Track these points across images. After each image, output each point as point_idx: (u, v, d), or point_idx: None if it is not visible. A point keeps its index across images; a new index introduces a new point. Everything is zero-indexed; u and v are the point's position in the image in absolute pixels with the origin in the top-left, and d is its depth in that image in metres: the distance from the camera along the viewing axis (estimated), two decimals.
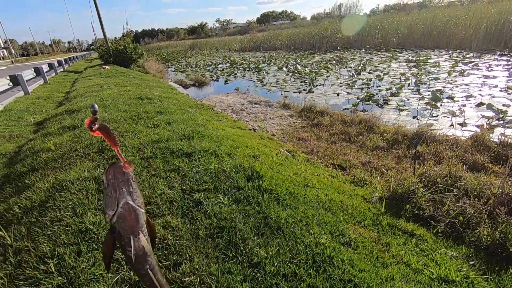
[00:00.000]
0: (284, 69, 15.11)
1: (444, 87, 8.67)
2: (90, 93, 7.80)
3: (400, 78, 10.55)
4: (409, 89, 8.95)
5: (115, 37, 23.42)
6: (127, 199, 0.88)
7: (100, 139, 3.65)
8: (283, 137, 5.52)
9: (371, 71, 12.38)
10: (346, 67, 14.70)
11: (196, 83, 14.07)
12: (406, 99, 7.82)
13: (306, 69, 14.21)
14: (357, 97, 8.63)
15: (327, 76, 12.42)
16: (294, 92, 10.42)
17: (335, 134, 5.45)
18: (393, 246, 2.12)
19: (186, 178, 2.55)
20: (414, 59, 14.82)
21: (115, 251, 1.02)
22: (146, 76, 14.19)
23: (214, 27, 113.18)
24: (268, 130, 5.99)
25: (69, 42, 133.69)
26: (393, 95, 8.40)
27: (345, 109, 7.56)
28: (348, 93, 9.12)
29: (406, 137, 4.91)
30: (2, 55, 66.83)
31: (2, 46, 72.46)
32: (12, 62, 44.58)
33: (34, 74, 12.33)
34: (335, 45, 26.78)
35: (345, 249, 1.89)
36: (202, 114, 6.25)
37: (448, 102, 7.22)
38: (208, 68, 19.49)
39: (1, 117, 6.40)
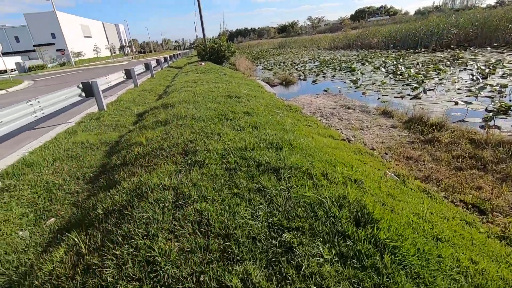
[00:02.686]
0: (383, 69, 13.33)
1: None
2: (185, 88, 8.21)
3: None
4: None
5: (212, 36, 25.17)
6: None
7: (186, 140, 3.49)
8: (385, 154, 4.53)
9: (505, 75, 9.69)
10: (464, 69, 12.02)
11: (283, 82, 13.70)
12: None
13: (412, 70, 12.17)
14: (486, 108, 6.72)
15: (439, 80, 10.31)
16: (395, 97, 8.92)
17: (461, 157, 4.15)
18: None
19: (274, 205, 2.03)
20: None
21: None
22: (236, 73, 14.58)
23: (305, 25, 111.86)
24: (366, 142, 5.05)
25: (175, 41, 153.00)
26: None
27: (460, 121, 5.92)
28: (468, 103, 7.20)
29: None
30: (126, 52, 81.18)
31: (127, 44, 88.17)
32: (132, 58, 53.40)
33: (144, 68, 14.05)
34: (447, 43, 22.62)
35: None
36: (290, 116, 5.73)
37: None
38: (296, 67, 18.95)
39: (113, 106, 7.24)
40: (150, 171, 2.83)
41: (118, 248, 1.74)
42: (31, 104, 4.49)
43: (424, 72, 11.73)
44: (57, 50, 52.18)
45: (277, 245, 1.66)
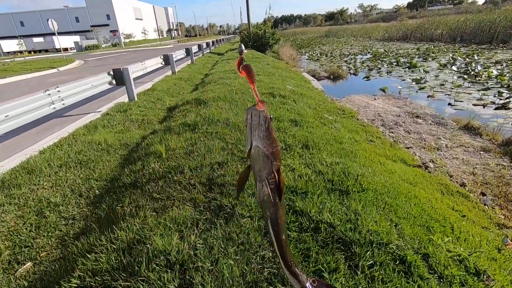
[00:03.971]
0: (454, 68, 11.26)
1: None
2: (224, 79, 7.38)
3: None
4: None
5: (256, 22, 24.03)
6: (257, 143, 0.87)
7: (213, 162, 2.61)
8: (483, 194, 3.26)
9: None
10: None
11: (331, 76, 12.30)
12: None
13: (493, 70, 10.04)
14: None
15: None
16: (473, 105, 7.24)
17: None
18: None
19: None
20: None
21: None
22: (279, 64, 13.45)
23: (355, 13, 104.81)
24: (450, 170, 3.79)
25: (220, 26, 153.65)
26: None
27: None
28: None
29: None
30: (173, 35, 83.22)
31: (174, 28, 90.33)
32: (178, 42, 54.34)
33: (185, 54, 13.49)
34: None
35: None
36: (345, 125, 4.61)
37: None
38: (345, 59, 17.20)
39: (145, 96, 6.66)
40: (158, 211, 2.01)
41: None
42: (49, 94, 3.96)
43: (510, 74, 9.60)
44: (110, 31, 54.76)
45: None
